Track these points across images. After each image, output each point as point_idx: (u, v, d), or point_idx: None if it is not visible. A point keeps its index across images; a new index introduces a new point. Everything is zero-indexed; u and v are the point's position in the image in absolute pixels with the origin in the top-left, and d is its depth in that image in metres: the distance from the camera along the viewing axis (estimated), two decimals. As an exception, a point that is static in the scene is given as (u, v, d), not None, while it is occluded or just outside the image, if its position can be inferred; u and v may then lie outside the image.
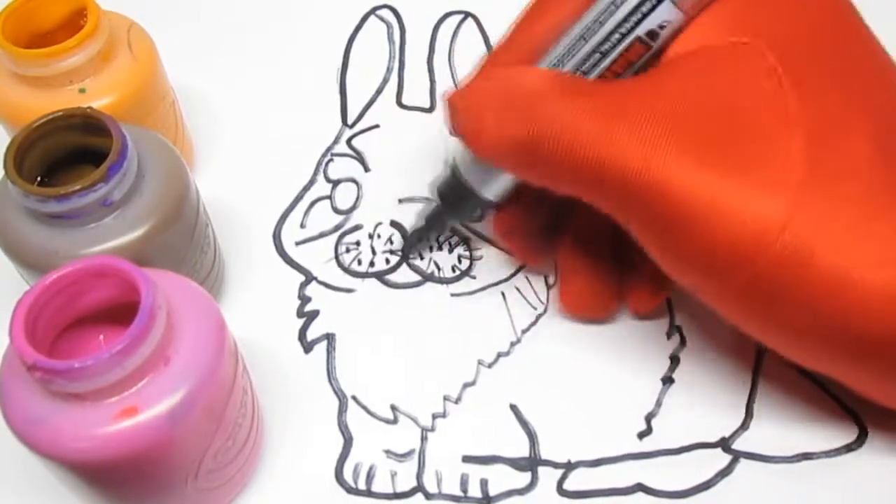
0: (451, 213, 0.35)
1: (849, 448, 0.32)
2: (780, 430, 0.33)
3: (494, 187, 0.33)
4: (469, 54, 0.44)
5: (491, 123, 0.29)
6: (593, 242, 0.34)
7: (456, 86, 0.42)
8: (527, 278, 0.36)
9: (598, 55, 0.29)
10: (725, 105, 0.27)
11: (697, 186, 0.26)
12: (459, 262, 0.37)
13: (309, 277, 0.37)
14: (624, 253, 0.34)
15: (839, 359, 0.28)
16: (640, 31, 0.28)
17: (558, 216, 0.35)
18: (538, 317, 0.36)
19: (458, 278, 0.36)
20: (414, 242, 0.37)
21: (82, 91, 0.33)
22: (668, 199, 0.26)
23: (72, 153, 0.30)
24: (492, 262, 0.37)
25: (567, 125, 0.27)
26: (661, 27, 0.28)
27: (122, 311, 0.26)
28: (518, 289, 0.36)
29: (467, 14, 0.45)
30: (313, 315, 0.36)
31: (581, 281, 0.34)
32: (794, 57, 0.27)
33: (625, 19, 0.28)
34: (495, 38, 0.44)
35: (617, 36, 0.28)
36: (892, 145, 0.27)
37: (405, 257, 0.37)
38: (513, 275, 0.37)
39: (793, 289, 0.26)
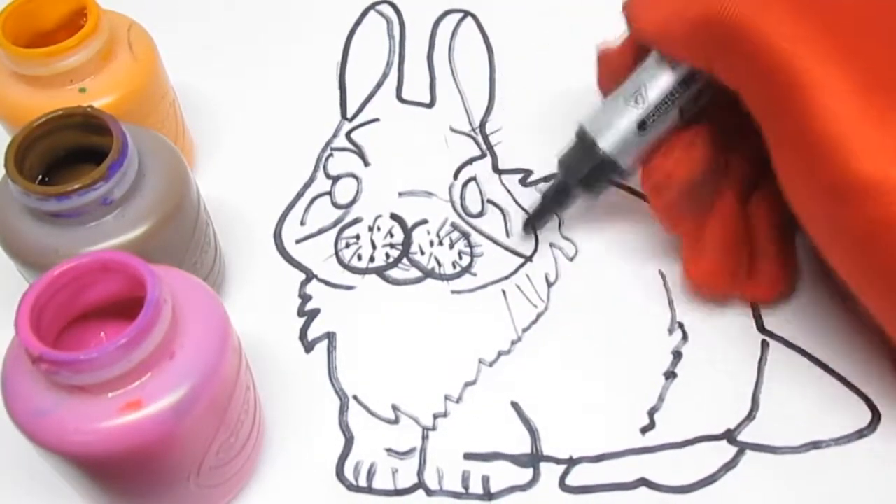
0: (580, 185, 0.35)
1: (861, 434, 0.32)
2: (787, 419, 0.33)
3: (630, 150, 0.33)
4: (469, 50, 0.44)
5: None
6: (734, 220, 0.34)
7: (457, 82, 0.43)
8: (527, 276, 0.36)
9: None
10: None
11: (856, 113, 0.27)
12: (460, 258, 0.37)
13: (309, 275, 0.37)
14: (755, 238, 0.34)
15: None
16: None
17: (706, 182, 0.34)
18: (539, 315, 0.36)
19: (458, 275, 0.36)
20: (537, 219, 0.37)
21: (83, 91, 0.33)
22: (818, 112, 0.27)
23: (72, 152, 0.31)
24: (493, 259, 0.37)
25: (754, 12, 0.28)
26: None
27: (124, 309, 0.26)
28: (519, 287, 0.36)
29: (466, 13, 0.45)
30: (314, 314, 0.36)
31: (714, 257, 0.34)
32: None
33: None
34: (494, 35, 0.44)
35: None
36: None
37: (532, 228, 0.37)
38: (513, 272, 0.37)
39: None
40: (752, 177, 0.34)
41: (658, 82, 0.32)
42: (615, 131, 0.33)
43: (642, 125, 0.33)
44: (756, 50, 0.28)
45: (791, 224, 0.33)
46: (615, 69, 0.34)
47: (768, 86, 0.28)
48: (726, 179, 0.34)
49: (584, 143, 0.34)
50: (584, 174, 0.34)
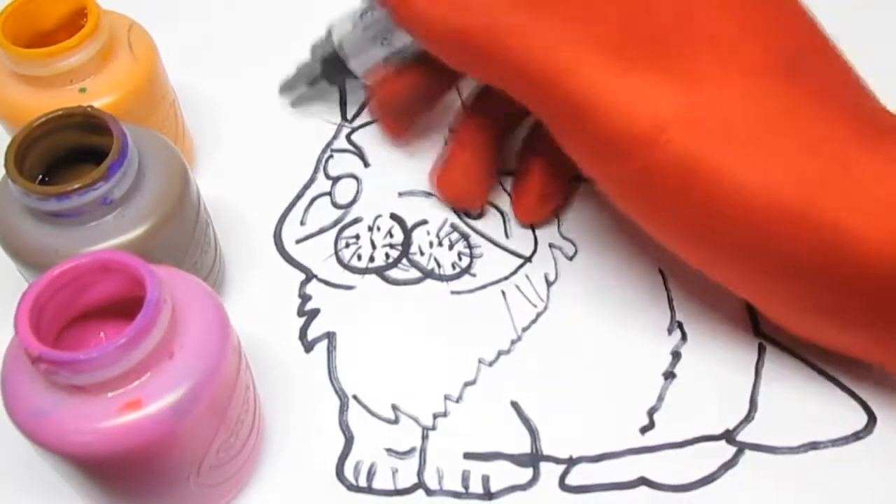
0: (327, 77, 0.40)
1: (857, 436, 0.32)
2: (785, 420, 0.33)
3: (364, 61, 0.38)
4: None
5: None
6: (481, 132, 0.36)
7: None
8: (527, 276, 0.36)
9: None
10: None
11: (601, 79, 0.29)
12: (459, 259, 0.37)
13: (309, 275, 0.37)
14: (516, 157, 0.37)
15: (737, 270, 0.30)
16: None
17: (429, 92, 0.38)
18: (539, 315, 0.36)
19: (458, 276, 0.36)
20: (292, 84, 0.41)
21: (83, 91, 0.33)
22: (573, 88, 0.29)
23: (72, 152, 0.31)
24: (492, 259, 0.37)
25: (495, 15, 0.30)
26: None
27: (123, 309, 0.26)
28: (518, 287, 0.36)
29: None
30: (314, 314, 0.36)
31: (463, 165, 0.36)
32: None
33: None
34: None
35: None
36: (805, 69, 0.29)
37: (286, 90, 0.42)
38: (513, 273, 0.37)
39: (682, 189, 0.28)
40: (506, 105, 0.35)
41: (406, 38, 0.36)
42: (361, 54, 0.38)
43: (385, 60, 0.37)
44: (505, 60, 0.30)
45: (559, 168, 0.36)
46: None
47: (526, 85, 0.31)
48: (479, 100, 0.37)
49: (329, 41, 0.39)
50: (328, 68, 0.39)
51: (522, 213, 0.37)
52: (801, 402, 0.33)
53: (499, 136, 0.37)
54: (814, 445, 0.32)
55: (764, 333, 0.35)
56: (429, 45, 0.33)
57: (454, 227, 0.37)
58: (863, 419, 0.33)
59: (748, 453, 0.32)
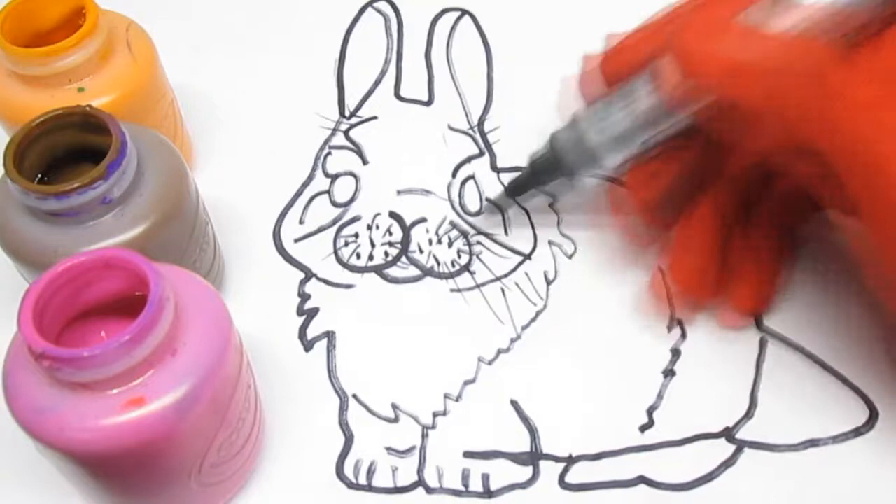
0: (552, 175, 0.35)
1: (858, 432, 0.32)
2: (785, 417, 0.33)
3: (620, 154, 0.33)
4: (466, 48, 0.44)
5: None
6: (716, 224, 0.33)
7: (455, 80, 0.43)
8: (526, 274, 0.36)
9: None
10: None
11: None
12: (459, 256, 0.37)
13: (308, 274, 0.37)
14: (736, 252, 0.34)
15: None
16: None
17: (693, 184, 0.34)
18: (538, 313, 0.36)
19: (457, 273, 0.36)
20: (519, 187, 0.37)
21: (81, 90, 0.33)
22: None
23: (71, 151, 0.31)
24: (491, 257, 0.37)
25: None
26: None
27: (125, 307, 0.26)
28: (518, 284, 0.36)
29: (464, 11, 0.45)
30: (313, 313, 0.36)
31: (694, 258, 0.33)
32: None
33: None
34: (492, 33, 0.45)
35: None
36: None
37: (512, 194, 0.37)
38: (512, 270, 0.37)
39: None
40: (744, 193, 0.34)
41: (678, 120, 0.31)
42: (610, 134, 0.33)
43: (644, 142, 0.32)
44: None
45: (779, 252, 0.33)
46: (618, 73, 0.33)
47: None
48: (713, 188, 0.34)
49: (575, 132, 0.34)
50: (567, 160, 0.34)
51: (748, 305, 0.34)
52: (801, 399, 0.33)
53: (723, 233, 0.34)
54: (813, 443, 0.32)
55: (766, 328, 0.35)
56: (745, 104, 0.29)
57: (453, 225, 0.37)
58: (864, 415, 0.33)
59: (747, 451, 0.32)
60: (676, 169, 0.33)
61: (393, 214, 0.38)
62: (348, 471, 0.32)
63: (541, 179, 0.36)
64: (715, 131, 0.31)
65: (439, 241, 0.37)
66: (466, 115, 0.42)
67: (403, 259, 0.37)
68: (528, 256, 0.37)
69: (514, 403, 0.33)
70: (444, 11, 0.45)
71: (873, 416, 0.32)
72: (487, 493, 0.31)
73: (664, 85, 0.30)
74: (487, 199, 0.38)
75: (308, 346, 0.35)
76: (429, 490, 0.31)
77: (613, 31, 0.34)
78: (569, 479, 0.32)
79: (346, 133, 0.41)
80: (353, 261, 0.37)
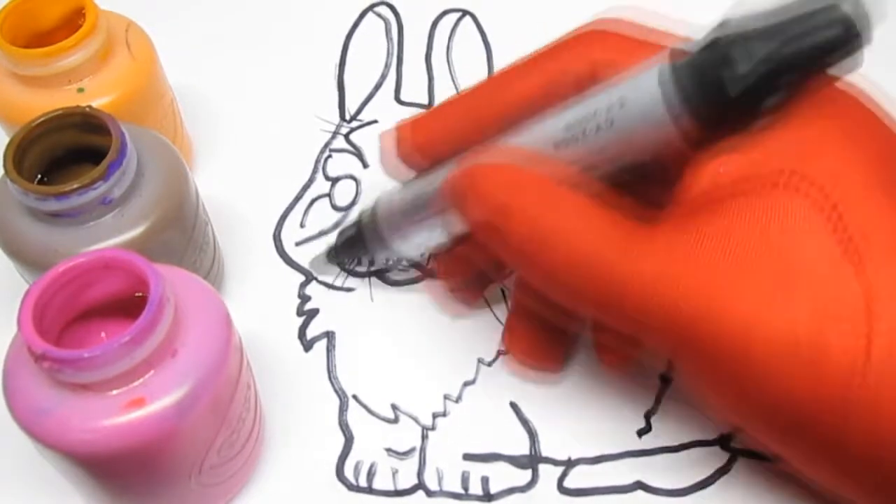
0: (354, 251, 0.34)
1: None
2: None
3: (418, 246, 0.32)
4: (467, 51, 0.44)
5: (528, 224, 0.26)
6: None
7: (455, 83, 0.43)
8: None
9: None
10: (777, 247, 0.24)
11: (775, 329, 0.23)
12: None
13: (309, 277, 0.37)
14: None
15: None
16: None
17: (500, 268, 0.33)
18: (537, 315, 0.36)
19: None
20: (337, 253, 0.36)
21: (81, 90, 0.33)
22: (738, 342, 0.24)
23: (71, 152, 0.30)
24: (491, 260, 0.37)
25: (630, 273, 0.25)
26: None
27: (125, 308, 0.26)
28: (517, 287, 0.36)
29: (465, 12, 0.45)
30: (313, 313, 0.36)
31: (531, 326, 0.32)
32: (845, 188, 0.24)
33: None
34: (492, 34, 0.45)
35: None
36: None
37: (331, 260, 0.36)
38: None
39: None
40: None
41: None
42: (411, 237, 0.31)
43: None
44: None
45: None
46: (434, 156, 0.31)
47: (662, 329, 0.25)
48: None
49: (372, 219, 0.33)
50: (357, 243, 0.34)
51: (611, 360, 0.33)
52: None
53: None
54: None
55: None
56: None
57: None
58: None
59: (742, 459, 0.32)
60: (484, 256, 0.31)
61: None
62: (349, 472, 0.32)
63: (353, 252, 0.35)
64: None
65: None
66: (466, 117, 0.41)
67: (404, 261, 0.37)
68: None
69: (513, 405, 0.33)
70: (444, 13, 0.45)
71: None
72: (487, 497, 0.31)
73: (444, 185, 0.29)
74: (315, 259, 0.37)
75: (308, 346, 0.35)
76: (429, 493, 0.31)
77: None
78: (567, 483, 0.32)
79: (346, 136, 0.41)
80: (354, 265, 0.37)
